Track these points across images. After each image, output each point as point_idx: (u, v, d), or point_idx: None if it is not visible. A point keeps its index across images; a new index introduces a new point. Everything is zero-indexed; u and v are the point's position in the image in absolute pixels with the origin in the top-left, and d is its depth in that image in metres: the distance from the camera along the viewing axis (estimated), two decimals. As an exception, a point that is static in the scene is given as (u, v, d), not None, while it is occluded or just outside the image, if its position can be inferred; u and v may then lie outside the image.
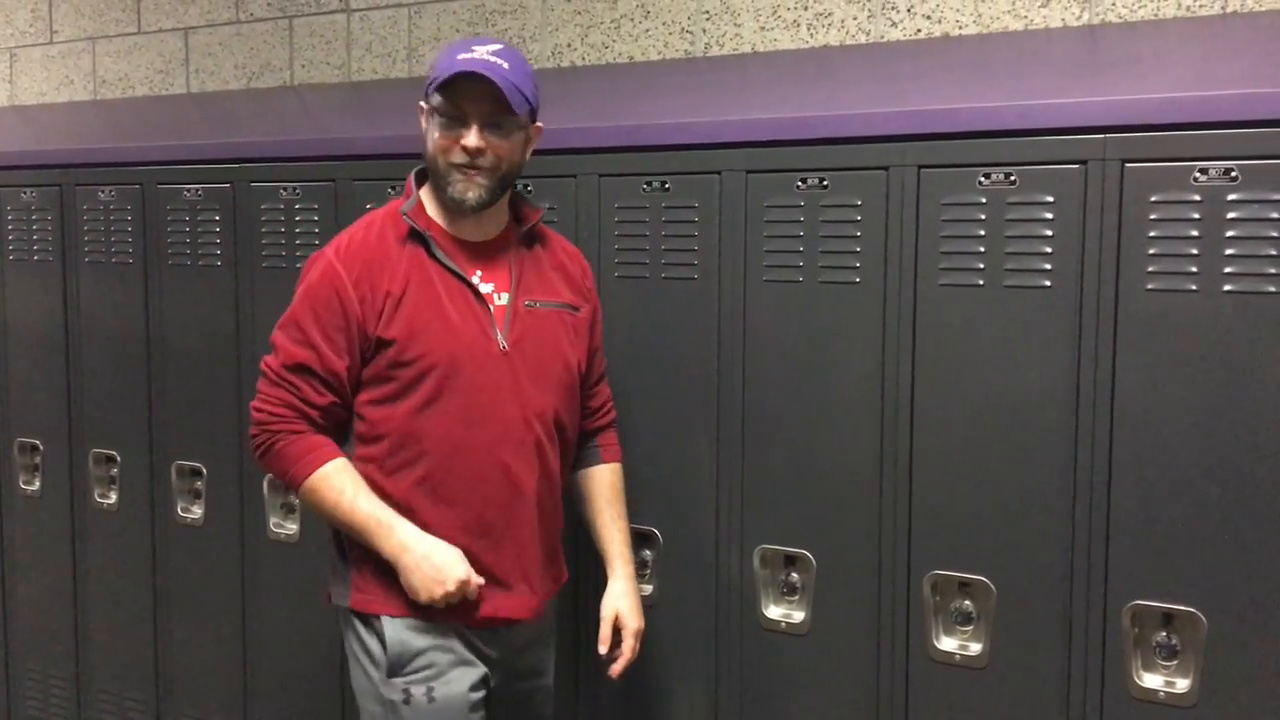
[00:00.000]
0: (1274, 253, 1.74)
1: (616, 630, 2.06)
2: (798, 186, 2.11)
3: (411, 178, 2.05)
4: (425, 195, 2.02)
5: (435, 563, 1.89)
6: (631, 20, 2.99)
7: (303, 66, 3.58)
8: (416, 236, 1.96)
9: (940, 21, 2.61)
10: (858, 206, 2.06)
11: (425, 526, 1.92)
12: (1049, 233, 1.90)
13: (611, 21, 3.03)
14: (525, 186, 2.35)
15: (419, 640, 1.94)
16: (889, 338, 2.03)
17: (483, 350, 1.94)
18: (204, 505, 2.87)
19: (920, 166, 2.00)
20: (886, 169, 2.03)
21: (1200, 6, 2.35)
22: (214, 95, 3.74)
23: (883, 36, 2.67)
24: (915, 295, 2.01)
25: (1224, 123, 1.77)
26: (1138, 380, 1.84)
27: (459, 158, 1.92)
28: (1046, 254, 1.90)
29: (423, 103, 1.95)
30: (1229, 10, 2.33)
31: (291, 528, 2.73)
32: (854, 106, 2.13)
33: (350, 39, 3.47)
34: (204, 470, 2.87)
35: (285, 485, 2.10)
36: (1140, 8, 2.41)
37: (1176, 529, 1.83)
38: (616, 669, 2.05)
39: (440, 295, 1.94)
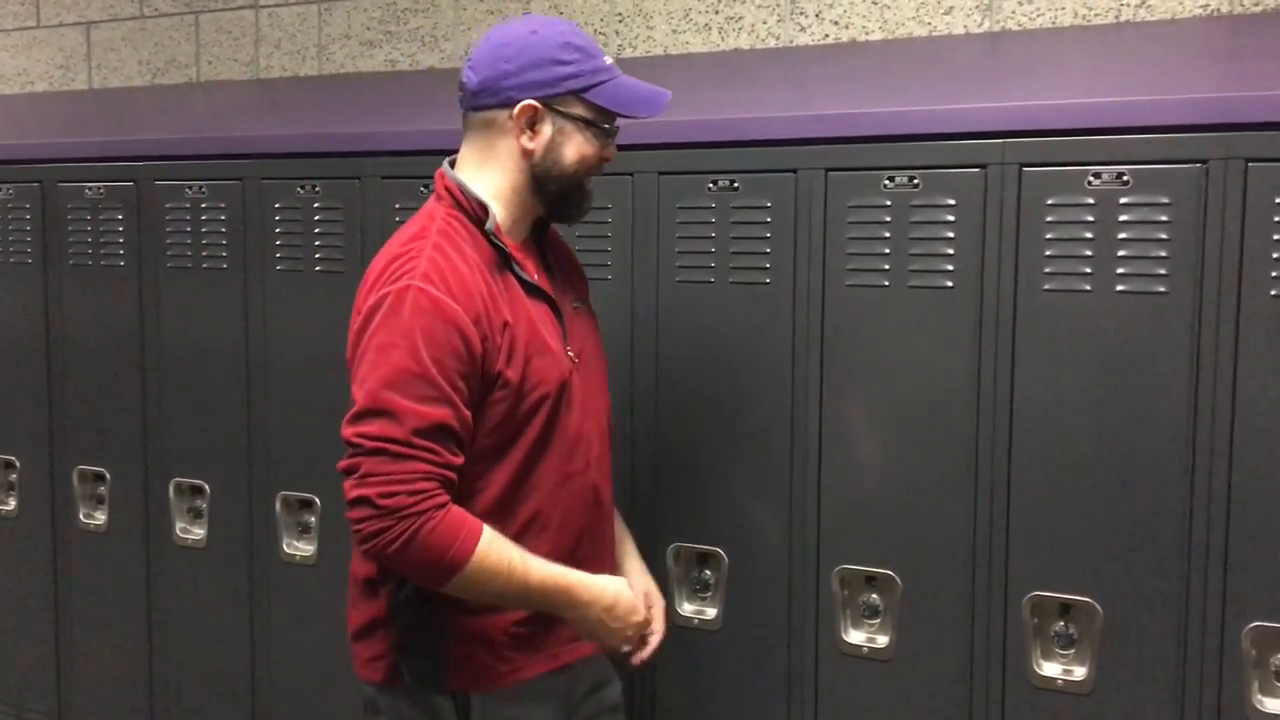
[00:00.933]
0: (1163, 254, 1.81)
1: None
2: (709, 188, 2.13)
3: (455, 182, 1.72)
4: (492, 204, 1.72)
5: (620, 611, 1.71)
6: (544, 21, 3.00)
7: (209, 63, 3.52)
8: (499, 254, 1.70)
9: (848, 27, 2.66)
10: (767, 208, 2.09)
11: None
12: (951, 234, 1.95)
13: (524, 22, 3.02)
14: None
15: (512, 709, 1.74)
16: (798, 337, 2.07)
17: (568, 369, 1.73)
18: (106, 512, 2.81)
19: (828, 170, 2.04)
20: (795, 171, 2.07)
21: (1095, 16, 2.43)
22: (117, 91, 3.66)
23: (792, 41, 2.72)
24: (823, 297, 2.05)
25: (1116, 128, 1.83)
26: (1035, 378, 1.90)
27: (595, 171, 1.74)
28: (948, 255, 1.95)
29: (534, 101, 1.66)
30: (1123, 20, 2.41)
31: (199, 533, 2.69)
32: (763, 110, 2.16)
33: (259, 35, 3.42)
34: (107, 476, 2.81)
35: (425, 578, 1.60)
36: (1039, 16, 2.48)
37: (1073, 522, 1.89)
38: (646, 654, 1.88)
39: (533, 317, 1.70)
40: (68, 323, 2.83)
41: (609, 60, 1.72)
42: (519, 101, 1.65)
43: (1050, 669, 1.92)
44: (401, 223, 2.38)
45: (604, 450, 1.83)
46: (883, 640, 2.04)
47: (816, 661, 2.09)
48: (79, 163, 2.80)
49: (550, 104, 1.67)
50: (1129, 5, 2.41)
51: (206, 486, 2.69)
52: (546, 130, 1.67)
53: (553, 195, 1.72)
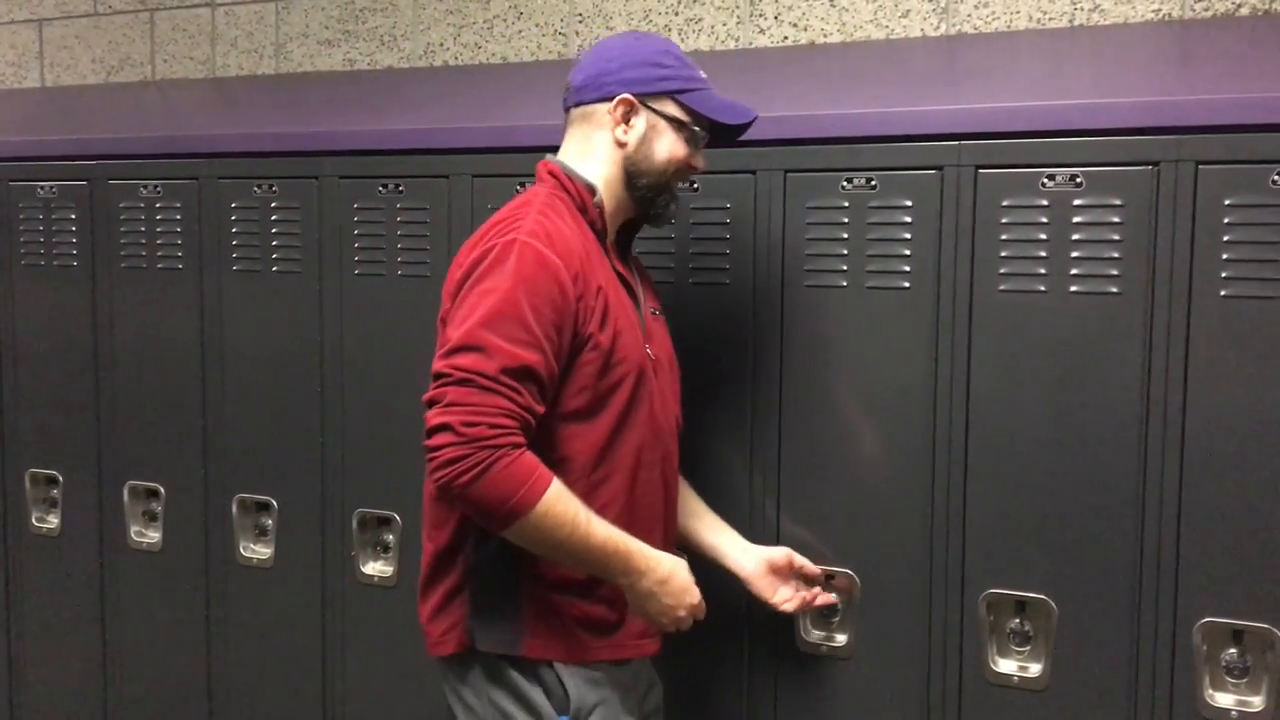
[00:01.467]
0: (1116, 255, 1.83)
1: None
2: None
3: (560, 165, 1.78)
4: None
5: (674, 587, 1.71)
6: (505, 21, 2.99)
7: (165, 61, 3.48)
8: (598, 235, 1.77)
9: (806, 30, 2.67)
10: (727, 209, 2.10)
11: None
12: (908, 235, 1.96)
13: (485, 22, 3.02)
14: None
15: (593, 693, 1.73)
16: (757, 336, 2.08)
17: (648, 361, 1.78)
18: (59, 515, 2.77)
19: (786, 171, 2.05)
20: (754, 173, 2.08)
21: (1050, 20, 2.46)
22: (70, 89, 3.61)
23: (751, 43, 2.73)
24: (782, 297, 2.06)
25: (1070, 131, 1.86)
26: (991, 377, 1.92)
27: (682, 176, 1.83)
28: (905, 256, 1.96)
29: (630, 96, 1.75)
30: (1076, 24, 2.44)
31: (154, 536, 2.66)
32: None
33: (215, 34, 3.39)
34: (60, 479, 2.77)
35: (492, 516, 1.59)
36: (994, 19, 2.50)
37: (1028, 520, 1.91)
38: (812, 598, 1.98)
39: (623, 299, 1.77)
40: (19, 324, 2.79)
41: (704, 75, 1.82)
42: (617, 95, 1.75)
43: (1006, 666, 1.94)
44: (360, 221, 2.40)
45: (675, 456, 1.86)
46: (842, 639, 2.05)
47: (774, 661, 2.09)
48: (31, 161, 2.76)
49: (645, 100, 1.76)
50: (1082, 9, 2.44)
51: (162, 489, 2.66)
52: (640, 125, 1.77)
53: (642, 192, 1.79)
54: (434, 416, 1.57)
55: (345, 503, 2.46)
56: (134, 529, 2.69)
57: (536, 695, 1.71)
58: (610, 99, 1.76)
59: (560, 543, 1.61)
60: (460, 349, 1.58)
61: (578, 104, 1.80)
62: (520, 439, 1.58)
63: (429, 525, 1.79)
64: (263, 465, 2.54)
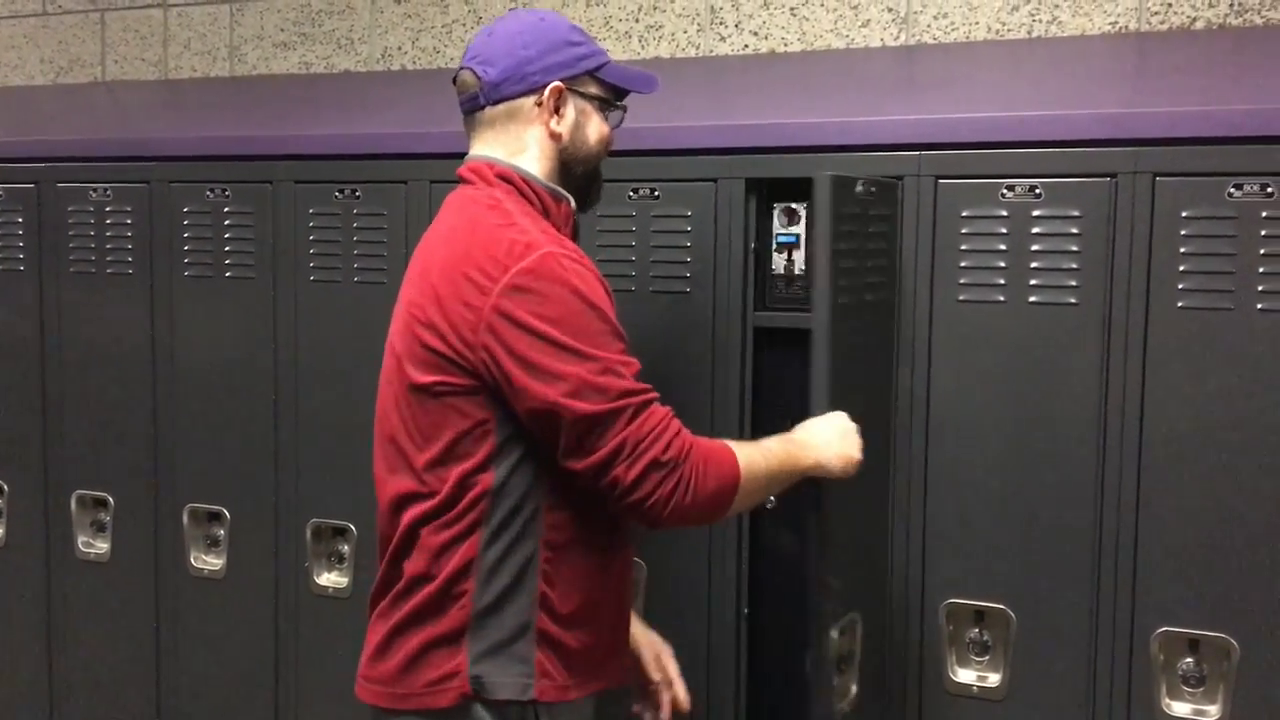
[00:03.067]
0: (1074, 266, 1.84)
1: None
2: (629, 196, 2.12)
3: (514, 169, 1.63)
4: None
5: (846, 425, 1.68)
6: (463, 25, 2.96)
7: (116, 62, 3.42)
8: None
9: (767, 38, 2.67)
10: (688, 217, 2.09)
11: (611, 588, 1.64)
12: (871, 246, 1.96)
13: (443, 26, 2.99)
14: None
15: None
16: (718, 346, 2.07)
17: None
18: (5, 526, 2.71)
19: (747, 179, 2.04)
20: (715, 180, 2.07)
21: (1009, 31, 2.47)
22: (18, 90, 3.53)
23: (712, 51, 2.72)
24: (744, 307, 2.05)
25: (1028, 142, 1.86)
26: (951, 387, 1.92)
27: (606, 154, 1.72)
28: (869, 268, 1.96)
29: (560, 83, 1.63)
30: (1034, 35, 2.45)
31: (103, 546, 2.61)
32: (684, 119, 2.15)
33: (168, 35, 3.33)
34: (5, 488, 2.71)
35: (718, 503, 1.55)
36: (953, 30, 2.51)
37: (986, 529, 1.91)
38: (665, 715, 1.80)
39: None
40: (-37, 329, 2.73)
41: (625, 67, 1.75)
42: (546, 84, 1.63)
43: (966, 676, 1.94)
44: (317, 227, 2.36)
45: None
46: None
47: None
48: (-24, 163, 2.70)
49: (571, 85, 1.66)
50: (1040, 21, 2.45)
51: (110, 499, 2.60)
52: (570, 112, 1.66)
53: (579, 180, 1.69)
54: (628, 469, 1.47)
55: (299, 513, 2.42)
56: (81, 539, 2.63)
57: None
58: (538, 90, 1.63)
59: (765, 485, 1.60)
60: (592, 386, 1.47)
61: (496, 101, 1.63)
62: (680, 424, 1.53)
63: (422, 555, 1.57)
64: (214, 474, 2.49)
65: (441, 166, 2.25)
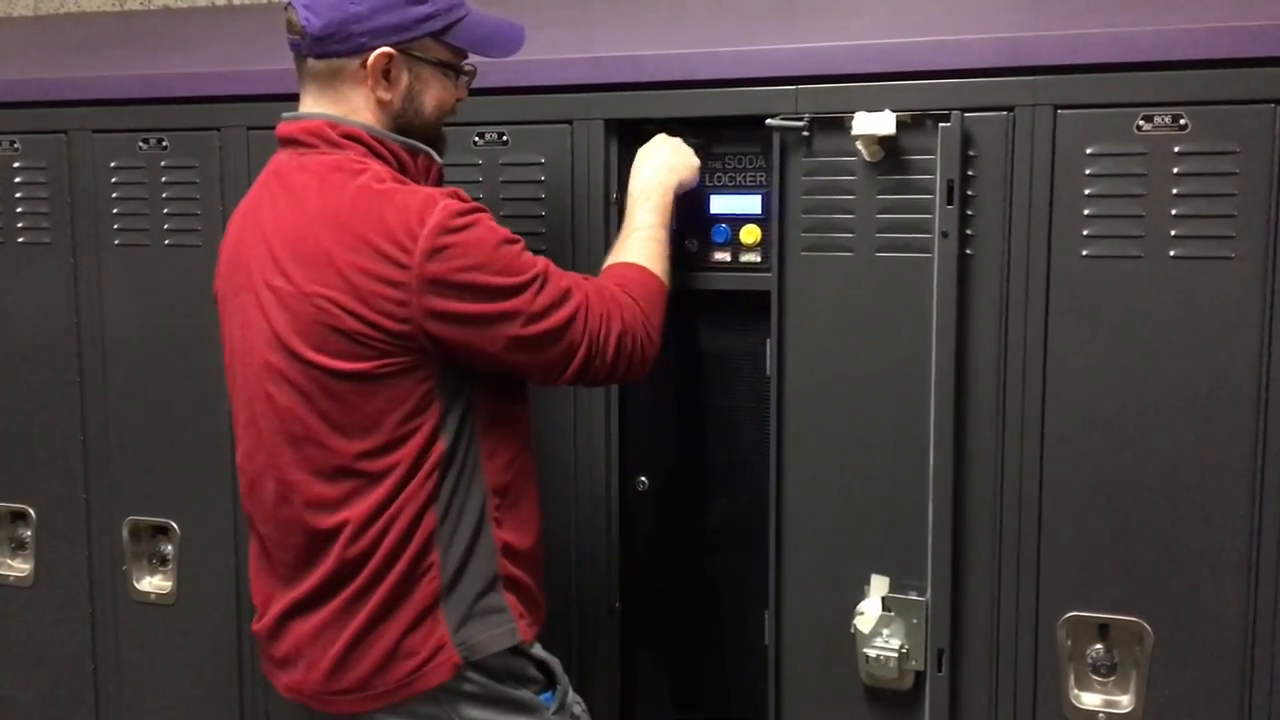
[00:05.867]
0: (970, 213, 1.64)
1: None
2: (475, 143, 1.88)
3: (366, 129, 1.50)
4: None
5: (674, 142, 1.75)
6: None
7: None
8: None
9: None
10: (541, 165, 1.86)
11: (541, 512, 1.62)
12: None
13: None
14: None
15: (550, 655, 1.62)
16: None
17: None
18: None
19: (606, 120, 1.82)
20: (570, 122, 1.84)
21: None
22: None
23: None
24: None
25: (914, 73, 1.66)
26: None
27: (452, 114, 1.61)
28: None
29: (389, 49, 1.48)
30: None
31: (23, 567, 2.25)
32: (535, 52, 1.90)
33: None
34: None
35: (661, 320, 1.60)
36: (836, -45, 2.29)
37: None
38: None
39: None
40: None
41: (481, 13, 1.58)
42: (372, 49, 1.48)
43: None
44: (119, 183, 2.06)
45: None
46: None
47: (607, 672, 1.88)
48: None
49: (406, 49, 1.50)
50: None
51: (31, 511, 2.24)
52: (404, 79, 1.51)
53: (418, 139, 1.56)
54: (612, 343, 1.51)
55: (114, 511, 2.14)
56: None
57: (534, 673, 1.57)
58: (364, 53, 1.47)
59: (667, 265, 1.65)
60: (536, 279, 1.46)
61: (318, 56, 1.49)
62: (600, 281, 1.57)
63: (375, 549, 1.46)
64: (160, 481, 2.13)
65: (261, 111, 1.98)
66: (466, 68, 1.59)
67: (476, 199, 1.82)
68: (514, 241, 1.47)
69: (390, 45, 1.48)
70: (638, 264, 1.61)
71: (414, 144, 1.53)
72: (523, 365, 1.50)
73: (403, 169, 1.51)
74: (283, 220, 1.46)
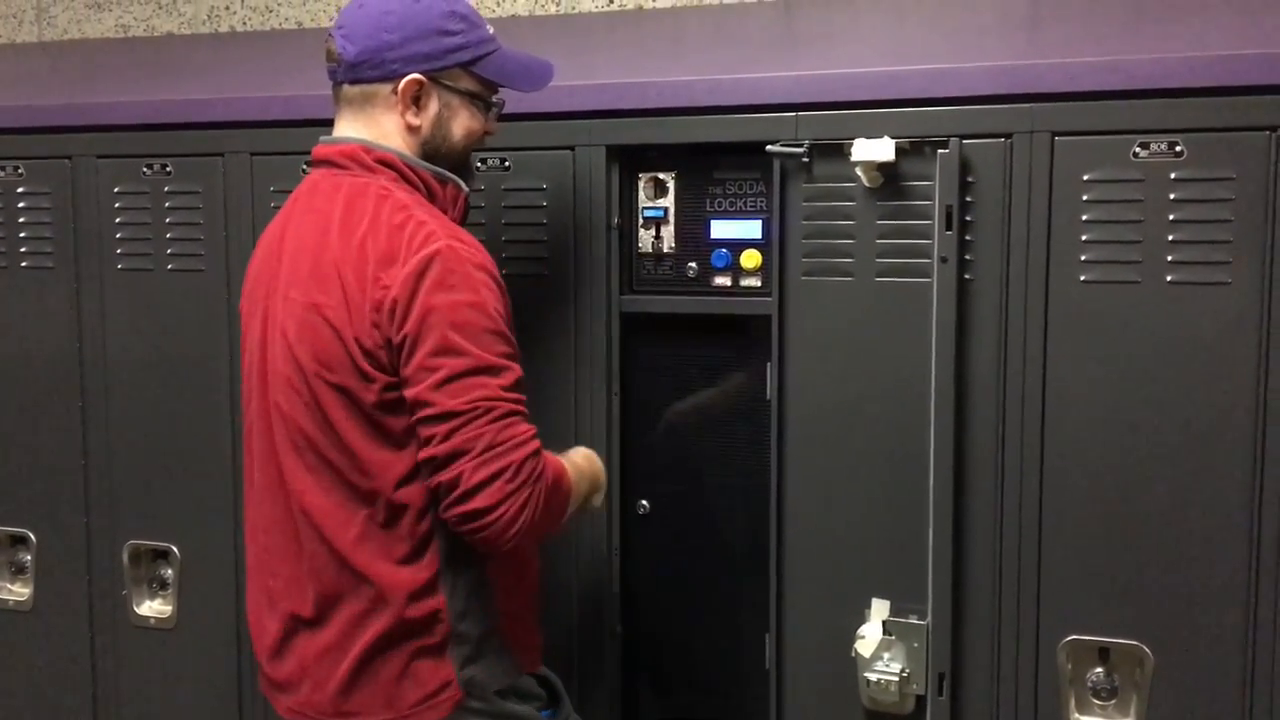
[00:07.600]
0: (968, 237, 1.66)
1: None
2: (478, 168, 1.88)
3: (398, 155, 1.53)
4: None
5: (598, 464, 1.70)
6: (301, -17, 2.68)
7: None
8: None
9: (635, -7, 2.45)
10: (543, 190, 1.87)
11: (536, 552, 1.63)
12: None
13: (279, -16, 2.70)
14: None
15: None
16: (580, 337, 1.85)
17: None
18: None
19: (608, 146, 1.83)
20: (573, 148, 1.85)
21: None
22: None
23: (574, 8, 2.49)
24: (609, 288, 1.85)
25: (913, 100, 1.67)
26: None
27: (480, 145, 1.64)
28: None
29: (419, 75, 1.51)
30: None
31: (23, 592, 2.24)
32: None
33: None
34: None
35: (554, 520, 1.53)
36: (834, -16, 2.31)
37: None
38: None
39: None
40: None
41: (491, 30, 1.61)
42: (403, 76, 1.52)
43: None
44: (123, 208, 2.08)
45: None
46: None
47: None
48: None
49: (436, 78, 1.54)
50: (926, -27, 2.26)
51: (32, 536, 2.23)
52: (433, 106, 1.55)
53: (445, 167, 1.59)
54: (474, 470, 1.40)
55: (114, 535, 2.14)
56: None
57: (538, 690, 1.62)
58: (395, 79, 1.52)
59: (580, 493, 1.59)
60: (490, 368, 1.43)
61: (353, 81, 1.54)
62: (539, 445, 1.46)
63: (386, 576, 1.48)
64: (161, 506, 2.12)
65: (265, 137, 2.00)
66: (496, 100, 1.62)
67: (479, 224, 1.87)
68: (490, 318, 1.44)
69: (421, 72, 1.52)
70: (575, 472, 1.56)
71: (443, 173, 1.56)
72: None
73: (431, 196, 1.54)
74: (297, 232, 1.51)
